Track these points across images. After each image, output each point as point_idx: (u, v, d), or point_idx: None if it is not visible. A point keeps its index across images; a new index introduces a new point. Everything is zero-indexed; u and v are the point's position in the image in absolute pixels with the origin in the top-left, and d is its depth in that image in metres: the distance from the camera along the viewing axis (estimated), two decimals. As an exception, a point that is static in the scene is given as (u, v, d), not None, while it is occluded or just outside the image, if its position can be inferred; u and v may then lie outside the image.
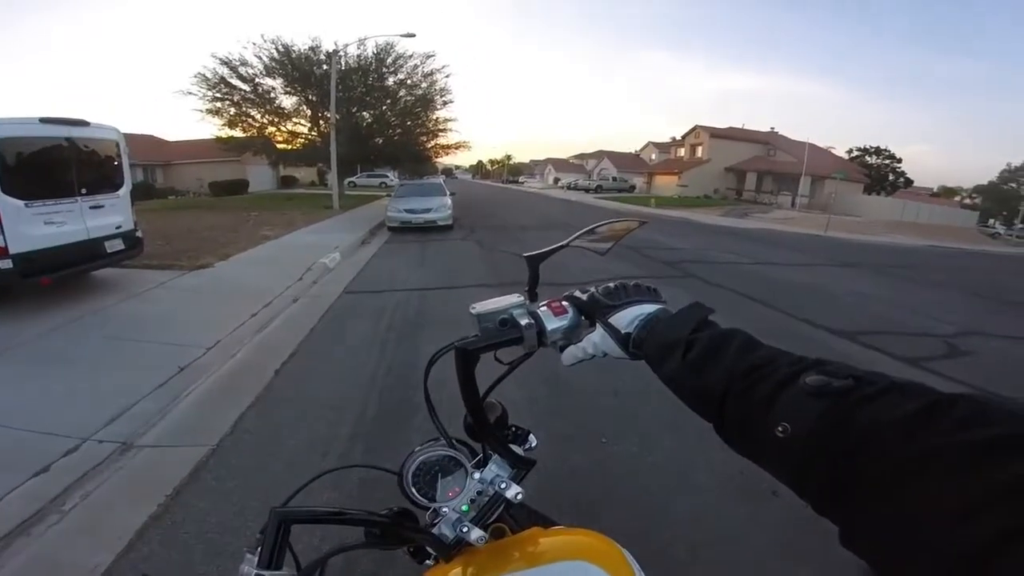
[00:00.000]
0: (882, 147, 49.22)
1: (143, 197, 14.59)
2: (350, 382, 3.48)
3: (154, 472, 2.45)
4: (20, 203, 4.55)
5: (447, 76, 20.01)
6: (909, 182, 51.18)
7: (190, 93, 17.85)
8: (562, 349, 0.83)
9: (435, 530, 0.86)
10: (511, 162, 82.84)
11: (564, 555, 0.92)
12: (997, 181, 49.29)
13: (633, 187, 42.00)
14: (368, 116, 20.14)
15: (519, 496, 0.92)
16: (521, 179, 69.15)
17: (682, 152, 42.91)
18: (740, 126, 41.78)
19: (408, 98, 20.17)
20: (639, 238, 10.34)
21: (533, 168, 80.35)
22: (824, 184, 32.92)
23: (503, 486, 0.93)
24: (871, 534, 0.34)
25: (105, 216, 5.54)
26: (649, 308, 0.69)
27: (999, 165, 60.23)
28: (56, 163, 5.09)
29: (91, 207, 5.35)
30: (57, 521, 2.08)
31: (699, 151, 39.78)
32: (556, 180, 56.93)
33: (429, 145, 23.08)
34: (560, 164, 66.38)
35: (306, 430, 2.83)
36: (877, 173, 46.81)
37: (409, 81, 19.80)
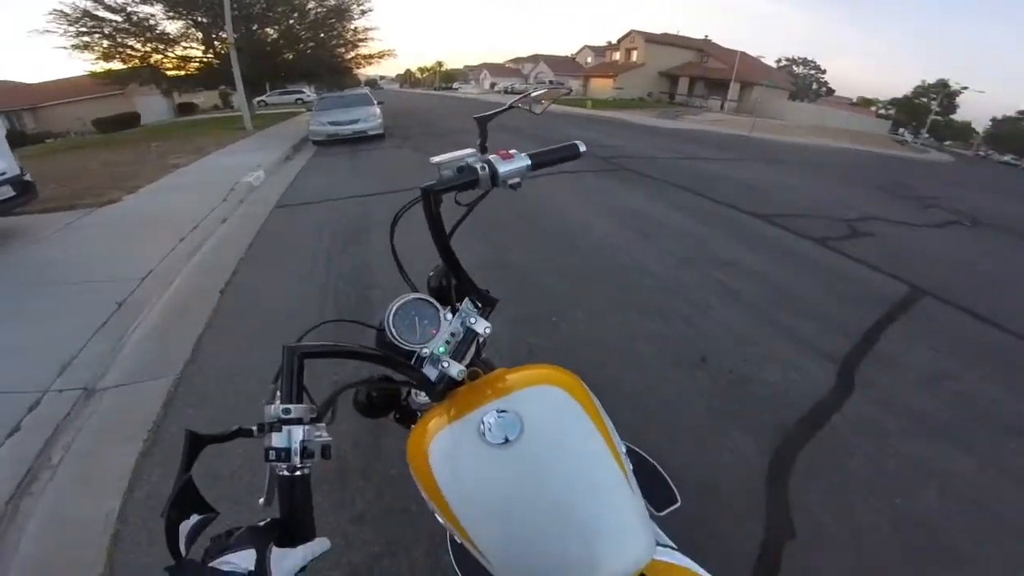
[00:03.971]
0: (809, 58, 50.70)
1: (16, 144, 12.61)
2: (302, 290, 3.42)
3: (126, 412, 2.38)
4: None
5: None
6: (831, 92, 53.58)
7: (47, 31, 14.94)
8: (512, 188, 0.98)
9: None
10: (443, 69, 76.45)
11: (533, 382, 1.05)
12: (911, 95, 52.50)
13: (570, 90, 41.26)
14: (273, 32, 18.13)
15: (488, 330, 1.07)
16: (455, 86, 64.62)
17: (617, 56, 42.33)
18: (675, 32, 41.64)
19: (319, 10, 18.30)
20: (577, 136, 10.39)
21: (468, 74, 75.18)
22: (752, 90, 33.74)
23: (473, 321, 1.07)
24: None
25: (-19, 167, 4.76)
26: None
27: (915, 81, 64.01)
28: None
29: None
30: (51, 477, 2.03)
31: (634, 55, 39.45)
32: (492, 85, 54.18)
33: (348, 57, 21.30)
34: (496, 69, 62.68)
35: (268, 343, 2.79)
36: (803, 82, 48.39)
37: None
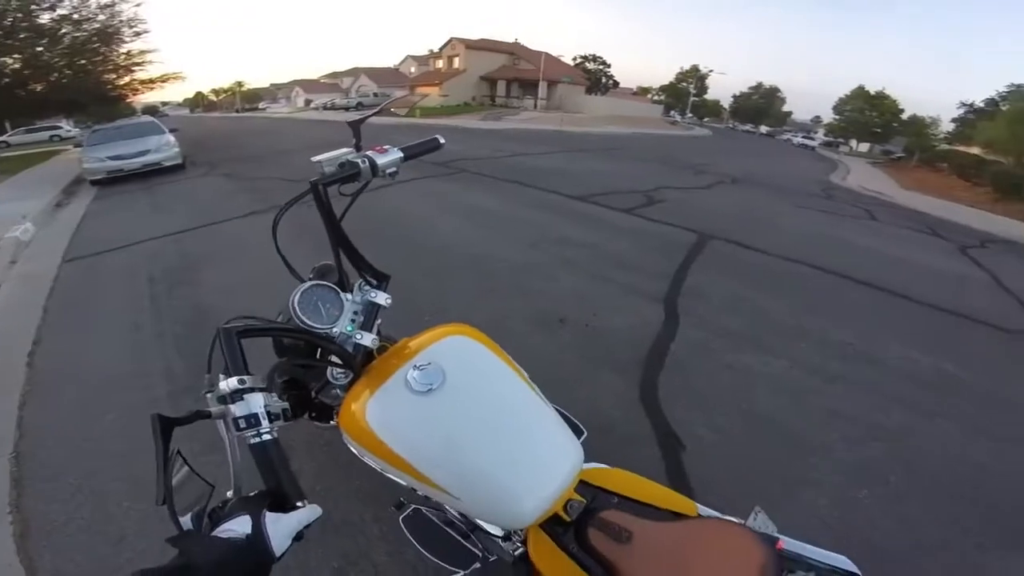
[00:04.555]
0: (597, 55, 57.93)
1: None
2: (133, 346, 2.89)
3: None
4: None
5: (138, 4, 16.17)
6: (617, 84, 62.12)
7: None
8: (391, 176, 1.16)
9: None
10: (244, 89, 68.65)
11: (441, 337, 1.17)
12: (675, 81, 62.99)
13: (424, 95, 40.83)
14: (14, 61, 14.24)
15: (388, 301, 1.19)
16: (263, 105, 58.71)
17: (441, 64, 43.24)
18: (490, 37, 44.19)
19: (78, 34, 15.01)
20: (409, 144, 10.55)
21: (276, 93, 68.97)
22: (557, 87, 37.64)
23: (374, 295, 1.18)
24: None
25: None
26: None
27: (676, 68, 76.69)
28: None
29: None
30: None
31: (456, 62, 40.61)
32: (308, 102, 50.62)
33: (121, 83, 17.99)
34: (310, 85, 58.66)
35: (114, 404, 2.35)
36: (594, 77, 55.17)
37: (76, 16, 14.63)
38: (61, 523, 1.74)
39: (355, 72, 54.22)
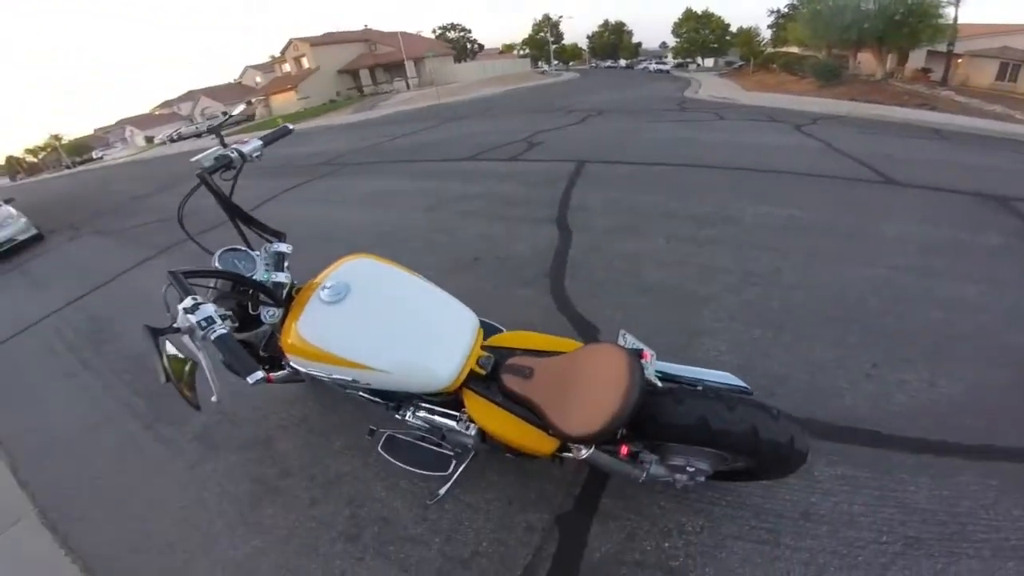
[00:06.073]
0: (456, 23, 56.95)
1: None
2: (90, 402, 2.84)
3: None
4: None
5: None
6: (482, 47, 61.76)
7: None
8: (258, 158, 1.56)
9: None
10: (64, 142, 59.13)
11: (343, 263, 1.50)
12: (533, 33, 63.41)
13: (253, 115, 37.72)
14: None
15: (290, 248, 1.59)
16: (96, 154, 51.23)
17: (288, 67, 40.33)
18: (333, 30, 41.77)
19: None
20: (289, 155, 10.20)
21: (106, 137, 60.40)
22: (424, 63, 36.86)
23: (276, 247, 1.58)
24: None
25: None
26: None
27: (531, 20, 76.30)
28: None
29: None
30: None
31: (304, 62, 38.09)
32: (150, 139, 45.30)
33: None
34: (143, 121, 52.01)
35: (101, 449, 2.37)
36: (459, 45, 54.47)
37: None
38: None
39: (192, 96, 49.22)
